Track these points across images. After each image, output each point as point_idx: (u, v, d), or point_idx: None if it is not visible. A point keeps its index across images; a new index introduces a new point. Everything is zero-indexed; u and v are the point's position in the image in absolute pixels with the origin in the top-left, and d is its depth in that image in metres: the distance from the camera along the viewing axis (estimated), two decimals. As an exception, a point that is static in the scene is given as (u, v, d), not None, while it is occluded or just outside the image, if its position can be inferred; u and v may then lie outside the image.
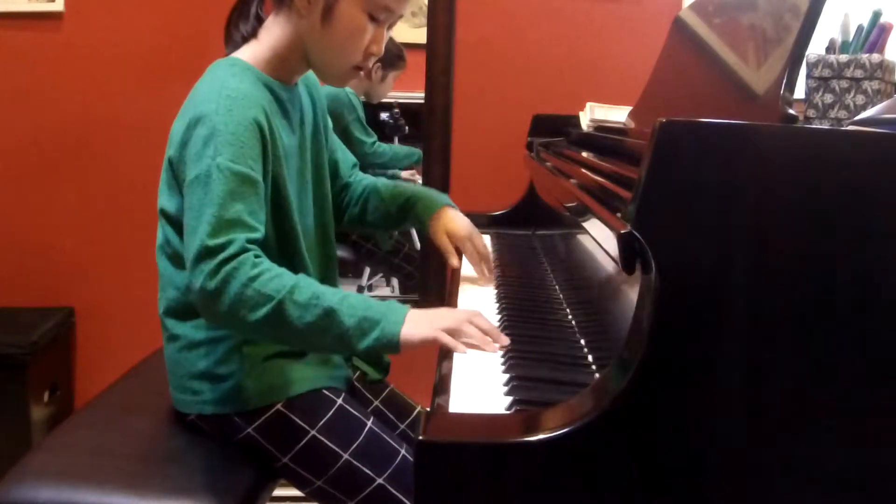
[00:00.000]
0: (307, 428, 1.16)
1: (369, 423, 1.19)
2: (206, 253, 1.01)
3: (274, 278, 1.02)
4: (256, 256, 1.03)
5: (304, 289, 1.03)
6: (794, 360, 0.73)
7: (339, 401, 1.20)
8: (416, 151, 2.72)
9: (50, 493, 1.05)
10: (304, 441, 1.16)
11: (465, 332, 1.04)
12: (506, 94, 2.32)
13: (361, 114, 2.56)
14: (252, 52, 1.18)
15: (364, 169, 2.61)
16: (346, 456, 1.15)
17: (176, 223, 1.15)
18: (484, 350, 1.03)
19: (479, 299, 1.32)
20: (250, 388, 1.16)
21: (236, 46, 1.20)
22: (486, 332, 1.06)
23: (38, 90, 2.28)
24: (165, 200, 1.17)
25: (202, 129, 1.07)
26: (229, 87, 1.10)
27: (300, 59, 1.20)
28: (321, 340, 1.04)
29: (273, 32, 1.18)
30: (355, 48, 1.17)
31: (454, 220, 1.40)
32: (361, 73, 1.22)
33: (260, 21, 1.20)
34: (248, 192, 1.06)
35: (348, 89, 2.52)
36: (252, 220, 1.05)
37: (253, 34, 1.19)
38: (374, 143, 2.59)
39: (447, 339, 1.02)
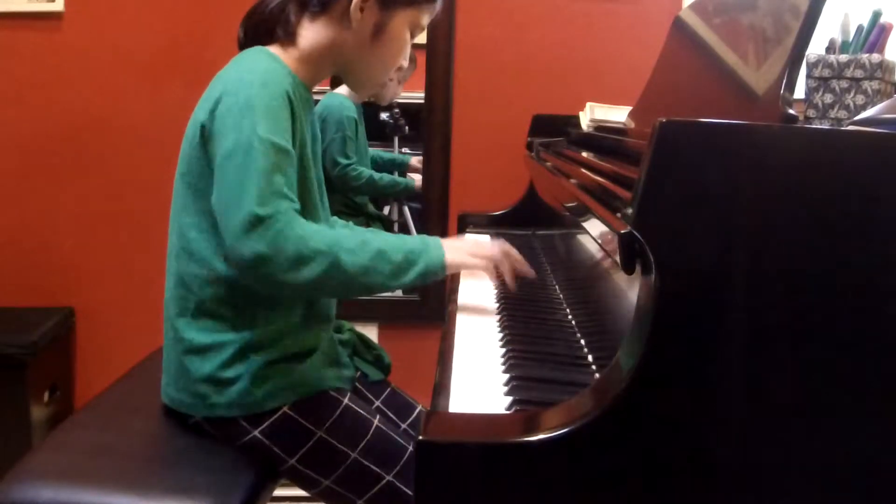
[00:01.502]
0: (314, 429, 1.16)
1: (376, 422, 1.19)
2: (256, 221, 1.03)
3: (320, 233, 1.08)
4: (297, 218, 1.07)
5: (350, 237, 1.11)
6: (794, 360, 0.73)
7: (346, 400, 1.20)
8: (403, 181, 2.66)
9: (50, 493, 1.05)
10: (311, 442, 1.16)
11: (501, 261, 1.21)
12: (506, 94, 2.32)
13: (350, 132, 2.53)
14: (285, 50, 1.20)
15: (333, 192, 2.60)
16: (354, 455, 1.15)
17: (202, 196, 1.13)
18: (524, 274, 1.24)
19: (478, 299, 1.32)
20: (256, 391, 1.15)
21: (262, 44, 1.21)
22: (517, 263, 1.22)
23: (38, 90, 2.28)
24: (191, 168, 1.14)
25: (236, 98, 1.08)
26: (261, 66, 1.12)
27: (329, 66, 1.22)
28: (374, 279, 1.10)
29: (308, 37, 1.19)
30: (396, 62, 1.24)
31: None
32: (388, 83, 1.28)
33: (295, 24, 1.20)
34: (286, 164, 1.08)
35: (345, 103, 2.51)
36: (291, 193, 1.08)
37: (288, 37, 1.19)
38: (350, 165, 2.52)
39: (484, 265, 1.20)
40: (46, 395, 2.21)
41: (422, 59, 2.32)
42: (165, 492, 1.06)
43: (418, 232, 2.64)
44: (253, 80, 1.09)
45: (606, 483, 0.73)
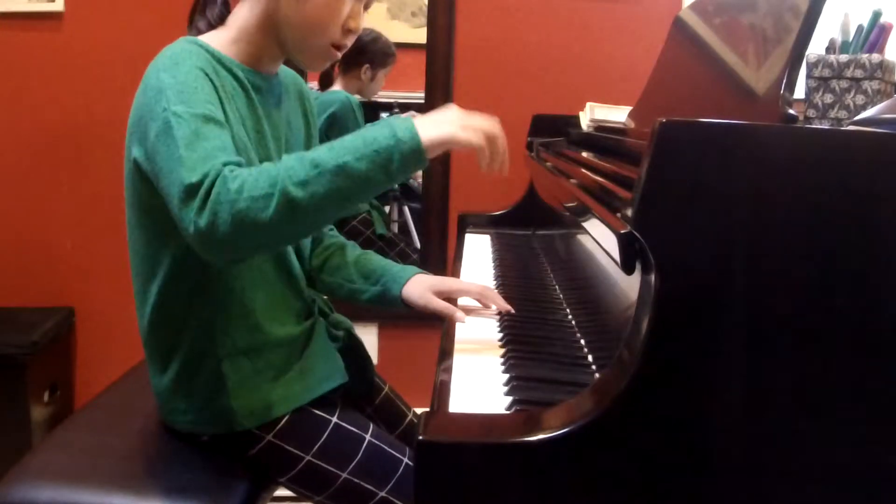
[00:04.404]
0: (301, 454, 1.12)
1: (367, 437, 1.15)
2: (188, 193, 0.92)
3: (259, 177, 0.92)
4: (231, 171, 0.93)
5: (296, 166, 0.93)
6: (794, 361, 0.73)
7: (334, 419, 1.15)
8: None
9: (50, 493, 1.05)
10: (299, 466, 1.12)
11: (492, 131, 1.04)
12: (506, 94, 2.32)
13: (363, 125, 2.57)
14: (216, 36, 1.13)
15: None
16: (344, 475, 1.12)
17: (141, 257, 1.12)
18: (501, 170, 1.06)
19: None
20: (237, 410, 1.11)
21: (198, 33, 1.15)
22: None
23: (38, 90, 2.28)
24: (127, 186, 1.11)
25: (151, 91, 1.01)
26: (170, 50, 1.05)
27: (271, 41, 1.13)
28: (347, 197, 0.95)
29: (241, 16, 1.13)
30: (333, 21, 1.11)
31: (434, 277, 1.26)
32: (339, 54, 1.16)
33: (227, 7, 1.16)
34: (215, 129, 0.97)
35: (353, 100, 2.52)
36: (223, 155, 0.95)
37: (220, 20, 1.14)
38: None
39: (478, 138, 1.00)
40: (46, 395, 2.21)
41: (422, 58, 2.32)
42: (165, 492, 1.06)
43: (419, 234, 2.65)
44: (163, 64, 1.02)
45: (606, 483, 0.73)
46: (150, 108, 1.01)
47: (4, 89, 2.28)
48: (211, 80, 1.04)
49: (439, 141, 0.96)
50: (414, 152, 0.94)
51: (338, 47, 1.15)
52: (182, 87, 0.99)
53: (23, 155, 2.30)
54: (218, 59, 1.09)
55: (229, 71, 1.10)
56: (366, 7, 1.17)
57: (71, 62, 2.27)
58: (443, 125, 0.97)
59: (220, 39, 1.13)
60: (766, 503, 0.74)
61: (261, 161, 1.10)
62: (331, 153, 0.94)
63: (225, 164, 0.94)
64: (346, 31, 1.14)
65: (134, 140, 1.07)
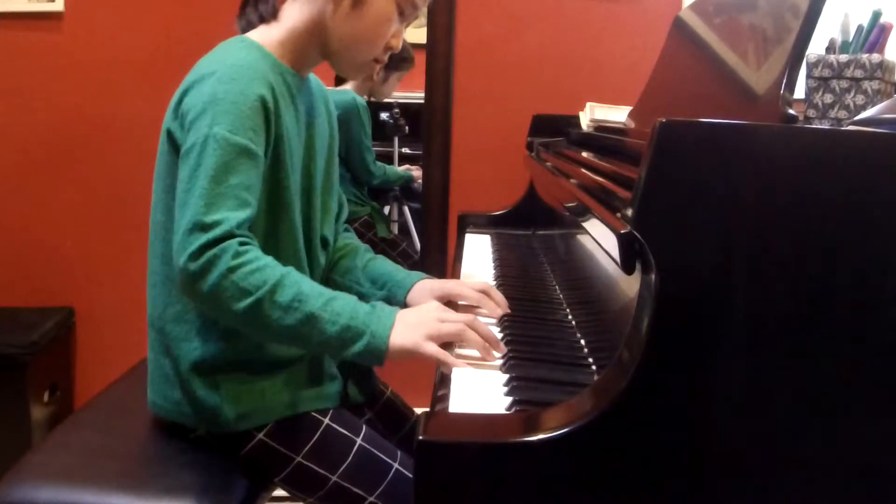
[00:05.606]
0: (291, 455, 1.12)
1: (359, 441, 1.14)
2: (195, 228, 0.97)
3: (255, 272, 0.97)
4: (242, 244, 0.98)
5: (288, 288, 0.98)
6: (794, 361, 0.73)
7: (326, 420, 1.14)
8: (409, 174, 2.75)
9: (50, 493, 1.05)
10: (290, 468, 1.12)
11: (465, 337, 1.00)
12: (506, 94, 2.32)
13: (369, 130, 2.57)
14: (266, 33, 1.15)
15: (360, 186, 2.64)
16: (334, 478, 1.11)
17: (162, 238, 1.10)
18: (484, 360, 1.00)
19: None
20: (228, 412, 1.10)
21: (250, 27, 1.17)
22: (485, 338, 1.01)
23: (38, 90, 2.28)
24: (159, 167, 1.11)
25: (201, 95, 1.03)
26: (235, 57, 1.07)
27: (316, 46, 1.16)
28: (301, 344, 1.02)
29: (292, 15, 1.15)
30: (380, 39, 1.16)
31: (437, 282, 1.26)
32: (377, 67, 1.20)
33: (278, 3, 1.17)
34: (246, 164, 1.01)
35: (360, 102, 2.52)
36: (246, 194, 1.00)
37: (273, 15, 1.16)
38: (374, 160, 2.61)
39: (440, 355, 0.97)
40: (46, 395, 2.21)
41: (422, 58, 2.32)
42: (165, 492, 1.06)
43: (419, 234, 2.65)
44: (222, 74, 1.04)
45: (606, 483, 0.73)
46: (195, 110, 1.02)
47: (4, 89, 2.28)
48: (266, 106, 1.05)
49: (405, 351, 0.99)
50: (377, 353, 0.99)
51: (376, 62, 1.19)
52: (231, 108, 1.01)
53: (22, 155, 2.31)
54: (274, 64, 1.11)
55: (282, 76, 1.12)
56: (406, 26, 1.21)
57: (71, 62, 2.27)
58: (414, 332, 0.99)
59: (269, 38, 1.14)
60: (766, 503, 0.74)
61: (306, 168, 1.17)
62: (318, 299, 0.99)
63: (239, 225, 0.98)
64: (387, 48, 1.18)
65: (171, 114, 1.08)
